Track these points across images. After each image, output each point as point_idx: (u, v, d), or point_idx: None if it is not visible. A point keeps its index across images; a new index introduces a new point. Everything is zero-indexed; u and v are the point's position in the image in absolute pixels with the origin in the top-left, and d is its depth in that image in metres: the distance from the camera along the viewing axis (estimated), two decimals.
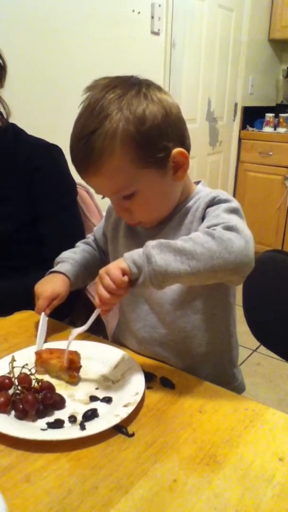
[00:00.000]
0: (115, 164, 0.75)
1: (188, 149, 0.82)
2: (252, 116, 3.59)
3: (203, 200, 0.84)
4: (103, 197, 0.85)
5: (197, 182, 0.92)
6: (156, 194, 0.82)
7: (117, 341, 0.99)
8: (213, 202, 0.82)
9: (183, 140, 0.81)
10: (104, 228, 1.04)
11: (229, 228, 0.72)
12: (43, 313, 0.93)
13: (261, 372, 2.26)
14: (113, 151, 0.74)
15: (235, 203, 0.81)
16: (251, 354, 2.37)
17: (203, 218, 0.82)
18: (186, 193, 0.88)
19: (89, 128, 0.74)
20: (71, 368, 0.78)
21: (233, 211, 0.78)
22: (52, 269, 1.00)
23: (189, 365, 0.90)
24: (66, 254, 1.04)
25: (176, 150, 0.79)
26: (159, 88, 0.81)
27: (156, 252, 0.71)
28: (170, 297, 0.88)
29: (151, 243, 0.72)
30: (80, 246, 1.08)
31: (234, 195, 3.69)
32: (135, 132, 0.74)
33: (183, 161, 0.81)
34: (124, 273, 0.71)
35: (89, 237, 1.11)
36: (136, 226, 0.91)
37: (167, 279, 0.70)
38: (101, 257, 1.07)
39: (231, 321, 0.95)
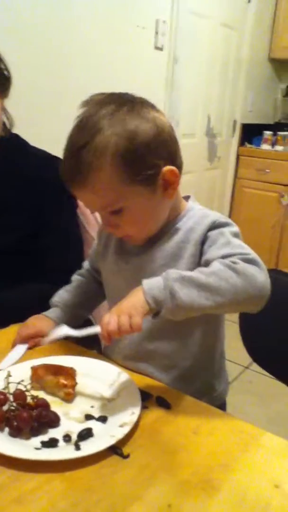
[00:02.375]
0: (103, 180, 0.75)
1: (179, 167, 0.83)
2: (250, 133, 3.63)
3: (199, 221, 0.84)
4: (92, 212, 0.85)
5: (186, 197, 0.92)
6: (145, 211, 0.82)
7: (106, 355, 0.98)
8: (214, 225, 0.82)
9: (174, 159, 0.81)
10: (97, 247, 1.03)
11: (249, 261, 0.73)
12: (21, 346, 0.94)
13: (252, 390, 2.25)
14: (102, 166, 0.74)
15: (235, 226, 0.82)
16: (243, 371, 2.36)
17: (202, 242, 0.82)
18: (177, 210, 0.88)
19: (79, 142, 0.75)
20: (67, 385, 0.77)
21: (237, 235, 0.79)
22: (43, 313, 1.01)
23: (176, 377, 0.89)
24: (59, 296, 1.04)
25: (167, 168, 0.79)
26: (152, 106, 0.81)
27: (179, 287, 0.71)
28: (149, 326, 0.87)
29: (171, 275, 0.72)
30: (75, 281, 1.08)
31: (230, 211, 3.71)
32: (125, 149, 0.74)
33: (173, 179, 0.81)
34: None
35: (84, 266, 1.11)
36: (126, 242, 0.91)
37: (190, 313, 0.72)
38: (98, 285, 1.06)
39: (218, 336, 0.95)
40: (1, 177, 1.20)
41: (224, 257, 0.75)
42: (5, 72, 1.17)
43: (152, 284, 0.73)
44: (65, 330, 0.85)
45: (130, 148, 0.74)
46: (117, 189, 0.77)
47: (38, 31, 1.87)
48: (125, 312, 0.71)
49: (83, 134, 0.75)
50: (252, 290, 0.71)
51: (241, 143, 3.60)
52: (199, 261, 0.82)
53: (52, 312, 1.01)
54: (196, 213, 0.87)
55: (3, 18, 1.72)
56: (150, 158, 0.77)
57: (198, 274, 0.73)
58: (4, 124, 1.23)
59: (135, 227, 0.83)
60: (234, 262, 0.73)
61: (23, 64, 1.81)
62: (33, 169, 1.19)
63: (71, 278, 1.11)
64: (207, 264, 0.77)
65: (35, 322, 0.98)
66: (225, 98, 3.37)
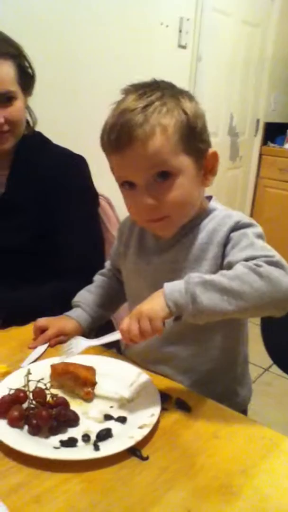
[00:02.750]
0: (163, 139, 0.75)
1: None
2: (273, 132, 3.57)
3: (222, 222, 0.83)
4: (123, 185, 0.82)
5: (208, 198, 0.91)
6: (187, 188, 0.80)
7: (125, 356, 0.98)
8: (237, 226, 0.81)
9: (209, 144, 0.85)
10: (117, 247, 1.03)
11: (273, 263, 0.71)
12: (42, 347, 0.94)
13: (272, 392, 2.22)
14: (166, 127, 0.75)
15: (259, 227, 0.81)
16: (262, 373, 2.33)
17: (225, 244, 0.81)
18: (200, 208, 0.87)
19: (141, 103, 0.76)
20: (86, 385, 0.77)
21: (261, 236, 0.78)
22: (65, 313, 1.02)
23: (195, 381, 0.88)
24: (81, 296, 1.05)
25: (211, 149, 0.83)
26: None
27: (201, 291, 0.70)
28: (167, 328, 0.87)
29: (193, 279, 0.71)
30: (97, 281, 1.08)
31: (252, 211, 3.66)
32: (188, 118, 0.77)
33: (214, 163, 0.84)
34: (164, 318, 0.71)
35: (106, 265, 1.11)
36: (150, 238, 0.90)
37: (212, 317, 0.72)
38: (120, 285, 1.05)
39: (240, 339, 0.94)
40: (23, 176, 1.21)
41: (247, 259, 0.73)
42: (29, 70, 1.18)
43: (173, 287, 0.72)
44: (84, 343, 0.83)
45: (192, 118, 0.78)
46: (173, 150, 0.77)
47: (60, 30, 1.87)
48: (145, 316, 0.71)
49: (149, 95, 0.77)
50: (277, 294, 0.69)
51: (264, 142, 3.55)
52: (222, 262, 0.81)
53: (74, 312, 1.01)
54: (219, 214, 0.86)
55: (26, 15, 1.73)
56: (203, 134, 0.81)
57: (221, 277, 0.71)
58: (27, 122, 1.23)
59: (175, 205, 0.80)
60: (257, 265, 0.71)
61: (46, 63, 1.81)
62: (53, 167, 1.20)
63: (91, 277, 1.11)
64: (230, 266, 0.76)
65: (57, 322, 0.98)
66: (248, 97, 3.33)
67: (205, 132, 0.82)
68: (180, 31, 2.46)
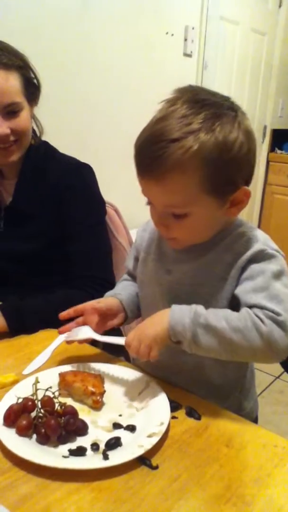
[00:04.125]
0: (182, 181, 0.72)
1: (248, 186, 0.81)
2: (281, 139, 3.57)
3: (246, 245, 0.81)
4: (148, 203, 0.82)
5: None
6: (205, 222, 0.79)
7: (134, 364, 0.97)
8: (259, 258, 0.79)
9: (249, 179, 0.79)
10: (137, 253, 1.01)
11: (278, 323, 0.73)
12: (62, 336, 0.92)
13: (283, 400, 2.19)
14: (187, 168, 0.71)
15: (281, 261, 0.80)
16: (273, 381, 2.30)
17: (243, 268, 0.80)
18: (223, 226, 0.85)
19: (171, 134, 0.70)
20: (95, 393, 0.76)
21: (281, 273, 0.78)
22: (110, 294, 0.99)
23: (204, 393, 0.87)
24: (116, 289, 1.02)
25: (243, 188, 0.77)
26: (247, 119, 0.78)
27: (202, 333, 0.74)
28: None
29: (199, 320, 0.75)
30: (121, 283, 1.05)
31: (260, 218, 3.65)
32: (217, 158, 0.71)
33: (244, 200, 0.78)
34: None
35: (123, 276, 1.08)
36: (167, 247, 0.89)
37: (206, 355, 0.77)
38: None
39: None
40: (30, 184, 1.22)
41: (255, 306, 0.75)
42: (35, 81, 1.19)
43: (179, 319, 0.76)
44: (90, 333, 0.85)
45: (221, 159, 0.71)
46: (191, 194, 0.73)
47: (66, 39, 1.89)
48: (147, 342, 0.76)
49: (177, 127, 0.70)
50: (270, 354, 0.73)
51: (271, 149, 3.55)
52: (237, 284, 0.82)
53: (119, 295, 0.97)
54: (245, 233, 0.84)
55: (33, 25, 1.75)
56: (234, 174, 0.75)
57: (224, 324, 0.74)
58: (34, 131, 1.24)
59: (188, 234, 0.81)
60: (262, 321, 0.73)
61: (52, 72, 1.83)
62: (60, 176, 1.20)
63: (100, 285, 1.10)
64: (237, 299, 0.79)
65: (106, 300, 0.95)
66: (255, 104, 3.33)
67: (241, 169, 0.76)
68: (186, 39, 2.47)
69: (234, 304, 0.81)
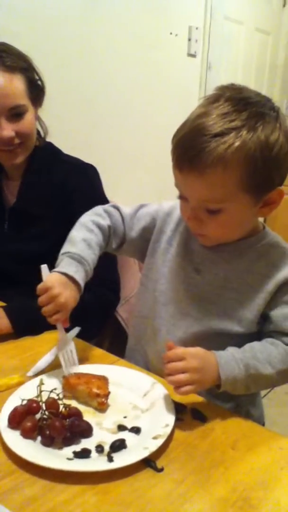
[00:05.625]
0: (223, 176, 0.72)
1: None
2: None
3: (284, 260, 0.84)
4: (180, 197, 0.81)
5: None
6: (237, 220, 0.79)
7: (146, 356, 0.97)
8: None
9: (283, 180, 0.79)
10: (146, 225, 0.95)
11: None
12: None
13: None
14: (228, 164, 0.71)
15: None
16: None
17: (280, 285, 0.83)
18: (252, 227, 0.86)
19: (215, 128, 0.70)
20: (100, 395, 0.76)
21: None
22: (70, 272, 0.83)
23: (211, 396, 0.86)
24: (85, 252, 0.86)
25: (278, 188, 0.78)
26: (286, 121, 0.79)
27: (253, 385, 0.79)
28: (191, 340, 0.87)
29: (248, 370, 0.77)
30: (97, 236, 0.90)
31: (265, 217, 3.63)
32: (259, 157, 0.71)
33: (277, 200, 0.79)
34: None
35: (112, 214, 0.95)
36: (198, 239, 0.87)
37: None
38: (104, 245, 0.94)
39: None
40: (36, 186, 1.22)
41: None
42: (39, 83, 1.19)
43: (230, 374, 0.77)
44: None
45: (262, 158, 0.72)
46: (229, 190, 0.74)
47: (70, 39, 1.89)
48: (196, 385, 0.74)
49: (222, 122, 0.71)
50: None
51: None
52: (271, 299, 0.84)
53: (77, 274, 0.83)
54: (278, 244, 0.86)
55: (38, 26, 1.75)
56: (272, 174, 0.75)
57: (271, 369, 0.79)
58: (38, 133, 1.24)
59: (219, 231, 0.81)
60: None
61: (56, 74, 1.83)
62: (64, 177, 1.20)
63: (103, 285, 1.09)
64: (267, 318, 0.84)
65: (69, 296, 0.82)
66: None
67: (280, 170, 0.76)
68: (190, 39, 2.47)
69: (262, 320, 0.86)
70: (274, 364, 0.79)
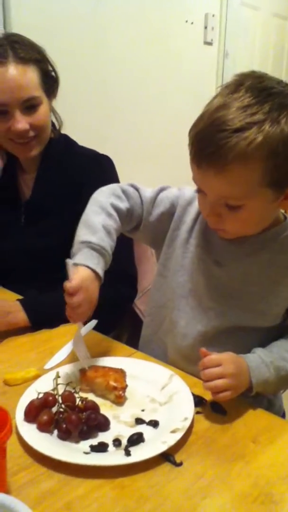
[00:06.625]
0: (244, 173, 0.69)
1: None
2: None
3: None
4: (198, 191, 0.78)
5: None
6: (258, 215, 0.77)
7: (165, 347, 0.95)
8: None
9: None
10: (165, 210, 0.92)
11: None
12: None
13: None
14: (250, 160, 0.67)
15: None
16: None
17: None
18: (274, 219, 0.83)
19: (234, 124, 0.66)
20: (117, 388, 0.75)
21: None
22: (92, 265, 0.80)
23: None
24: (105, 240, 0.83)
25: None
26: None
27: (283, 385, 0.82)
28: (211, 333, 0.87)
29: (280, 372, 0.78)
30: (116, 221, 0.86)
31: None
32: (282, 151, 0.68)
33: None
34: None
35: (131, 196, 0.91)
36: (218, 233, 0.84)
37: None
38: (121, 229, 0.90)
39: None
40: (52, 179, 1.21)
41: None
42: (53, 74, 1.17)
43: (260, 379, 0.76)
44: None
45: (285, 152, 0.68)
46: (250, 186, 0.70)
47: (84, 30, 1.88)
48: (233, 389, 0.73)
49: (242, 116, 0.67)
50: None
51: None
52: None
53: (99, 267, 0.81)
54: None
55: (53, 15, 1.74)
56: None
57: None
58: (53, 125, 1.23)
59: (239, 227, 0.78)
60: None
61: (71, 65, 1.82)
62: (78, 170, 1.19)
63: (120, 279, 1.08)
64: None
65: (92, 292, 0.79)
66: None
67: None
68: (206, 27, 2.43)
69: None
70: None
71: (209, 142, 0.68)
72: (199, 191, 0.78)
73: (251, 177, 0.69)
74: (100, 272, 0.80)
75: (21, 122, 1.10)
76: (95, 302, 0.80)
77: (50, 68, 1.17)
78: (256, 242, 0.82)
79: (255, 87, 0.69)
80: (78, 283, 0.75)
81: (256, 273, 0.83)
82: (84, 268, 0.78)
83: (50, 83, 1.16)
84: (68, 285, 0.75)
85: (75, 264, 0.79)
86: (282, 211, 0.86)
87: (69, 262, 0.79)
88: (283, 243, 0.82)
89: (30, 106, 1.10)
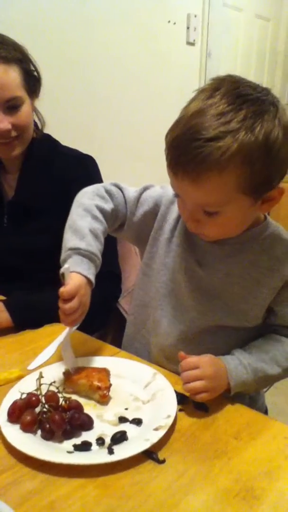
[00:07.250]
0: (219, 182, 0.68)
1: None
2: None
3: (286, 253, 0.84)
4: (176, 195, 0.78)
5: None
6: (236, 220, 0.77)
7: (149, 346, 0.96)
8: None
9: (283, 177, 0.75)
10: (149, 209, 0.92)
11: None
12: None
13: None
14: (225, 169, 0.67)
15: None
16: None
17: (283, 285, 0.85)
18: (254, 220, 0.83)
19: (210, 132, 0.66)
20: (101, 388, 0.75)
21: None
22: (83, 271, 0.79)
23: None
24: (93, 245, 0.82)
25: (278, 187, 0.74)
26: (286, 113, 0.73)
27: (262, 385, 0.85)
28: (193, 332, 0.87)
29: (257, 374, 0.80)
30: (102, 223, 0.86)
31: None
32: (256, 159, 0.67)
33: (277, 198, 0.76)
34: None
35: (115, 196, 0.92)
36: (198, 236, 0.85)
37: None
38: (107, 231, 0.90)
39: None
40: (35, 179, 1.20)
41: None
42: (35, 73, 1.17)
43: (239, 381, 0.78)
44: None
45: (260, 159, 0.68)
46: (227, 194, 0.70)
47: (67, 29, 1.87)
48: (214, 390, 0.76)
49: (216, 125, 0.66)
50: None
51: None
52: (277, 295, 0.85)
53: (91, 273, 0.81)
54: (281, 236, 0.85)
55: (33, 14, 1.73)
56: (273, 173, 0.71)
57: (278, 369, 0.82)
58: (35, 124, 1.23)
59: (218, 230, 0.78)
60: None
61: (53, 64, 1.81)
62: (63, 169, 1.18)
63: (105, 276, 1.08)
64: (271, 310, 0.86)
65: (86, 298, 0.80)
66: None
67: (280, 169, 0.71)
68: (188, 27, 2.44)
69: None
70: (280, 362, 0.82)
71: (184, 150, 0.68)
72: (177, 195, 0.78)
73: (227, 185, 0.69)
74: (92, 278, 0.80)
75: (3, 122, 1.09)
76: (87, 307, 0.80)
77: (33, 68, 1.16)
78: (237, 242, 0.83)
79: (231, 93, 0.69)
80: (73, 289, 0.75)
81: (237, 274, 0.84)
82: (76, 275, 0.78)
83: (32, 82, 1.16)
84: (64, 291, 0.75)
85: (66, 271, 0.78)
86: None
87: (63, 269, 0.78)
88: (262, 245, 0.83)
89: (12, 106, 1.10)
